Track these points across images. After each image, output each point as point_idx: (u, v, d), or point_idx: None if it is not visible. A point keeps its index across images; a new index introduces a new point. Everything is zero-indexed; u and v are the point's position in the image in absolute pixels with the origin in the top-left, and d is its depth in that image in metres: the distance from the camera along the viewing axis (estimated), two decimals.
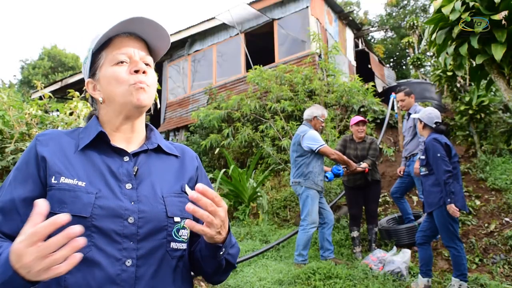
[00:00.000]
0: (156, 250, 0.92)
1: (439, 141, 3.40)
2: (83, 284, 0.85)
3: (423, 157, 3.55)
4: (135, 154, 1.01)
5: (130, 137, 1.04)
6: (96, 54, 1.02)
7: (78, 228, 0.68)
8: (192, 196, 0.79)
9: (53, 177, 0.91)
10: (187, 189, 1.01)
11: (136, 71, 0.97)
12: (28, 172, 0.93)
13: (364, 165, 4.38)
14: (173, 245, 0.96)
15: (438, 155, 3.34)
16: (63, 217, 0.67)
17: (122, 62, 0.99)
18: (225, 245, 0.92)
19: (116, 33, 1.00)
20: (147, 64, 1.02)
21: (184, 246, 0.99)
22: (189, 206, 0.80)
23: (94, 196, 0.90)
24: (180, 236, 0.97)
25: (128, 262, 0.88)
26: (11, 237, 0.83)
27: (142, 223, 0.91)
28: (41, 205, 0.70)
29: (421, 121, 3.65)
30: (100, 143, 0.98)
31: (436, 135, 3.49)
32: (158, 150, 1.06)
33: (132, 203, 0.92)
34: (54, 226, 0.67)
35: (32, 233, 0.67)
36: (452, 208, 3.23)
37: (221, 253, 0.92)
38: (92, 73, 1.03)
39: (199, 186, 0.80)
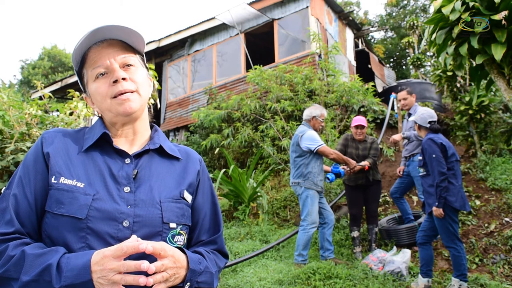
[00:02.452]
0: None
1: (435, 141, 3.41)
2: None
3: (420, 157, 3.56)
4: (138, 155, 1.01)
5: (133, 139, 1.05)
6: (80, 71, 1.04)
7: (152, 268, 0.80)
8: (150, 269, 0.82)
9: (54, 176, 0.93)
10: None
11: (115, 81, 0.97)
12: (36, 168, 0.94)
13: (364, 162, 4.38)
14: None
15: (434, 156, 3.34)
16: (144, 246, 0.80)
17: (102, 74, 0.99)
18: (188, 280, 0.92)
19: (88, 46, 0.99)
20: (129, 65, 1.01)
21: None
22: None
23: (92, 198, 0.90)
24: (175, 242, 0.96)
25: None
26: (24, 226, 0.90)
27: (137, 228, 0.91)
28: (133, 240, 0.83)
29: (416, 123, 3.69)
30: (104, 144, 1.00)
31: (432, 135, 3.49)
32: (162, 152, 1.06)
33: (129, 206, 0.93)
34: (136, 250, 0.79)
35: (120, 248, 0.79)
36: (438, 212, 3.27)
37: (187, 287, 0.93)
38: (84, 89, 1.07)
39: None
